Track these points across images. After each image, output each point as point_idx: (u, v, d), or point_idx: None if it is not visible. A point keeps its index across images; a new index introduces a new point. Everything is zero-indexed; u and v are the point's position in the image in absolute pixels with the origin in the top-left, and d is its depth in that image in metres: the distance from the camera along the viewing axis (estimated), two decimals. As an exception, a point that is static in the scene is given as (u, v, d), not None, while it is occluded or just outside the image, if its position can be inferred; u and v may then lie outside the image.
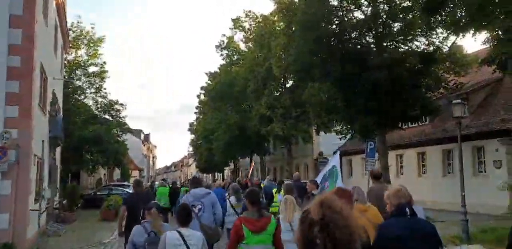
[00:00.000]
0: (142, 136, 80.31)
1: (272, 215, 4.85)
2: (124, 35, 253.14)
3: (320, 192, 7.91)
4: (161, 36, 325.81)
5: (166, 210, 10.83)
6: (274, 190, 10.55)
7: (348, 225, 1.46)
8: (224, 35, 36.73)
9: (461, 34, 12.50)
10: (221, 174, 60.68)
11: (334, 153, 15.61)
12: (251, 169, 27.43)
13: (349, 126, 17.46)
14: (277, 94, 29.53)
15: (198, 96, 53.24)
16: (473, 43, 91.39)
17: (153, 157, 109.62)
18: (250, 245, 4.33)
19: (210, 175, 69.63)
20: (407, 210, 3.43)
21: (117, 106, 31.47)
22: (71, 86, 28.09)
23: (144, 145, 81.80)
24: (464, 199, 11.73)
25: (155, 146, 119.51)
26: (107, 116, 31.18)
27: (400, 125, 17.19)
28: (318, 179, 9.19)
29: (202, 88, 38.70)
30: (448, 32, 14.20)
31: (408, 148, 22.39)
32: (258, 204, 4.68)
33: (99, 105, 31.20)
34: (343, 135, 19.20)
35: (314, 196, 7.55)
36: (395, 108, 15.56)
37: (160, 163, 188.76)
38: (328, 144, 30.94)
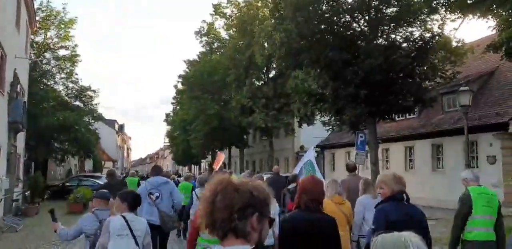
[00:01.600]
0: (117, 126, 77.93)
1: None
2: (97, 20, 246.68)
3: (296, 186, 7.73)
4: (137, 21, 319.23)
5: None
6: None
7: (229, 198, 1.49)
8: (204, 21, 35.05)
9: (468, 17, 11.48)
10: (198, 167, 59.14)
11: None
12: (220, 161, 26.09)
13: (337, 117, 16.33)
14: (259, 84, 28.27)
15: (176, 86, 51.57)
16: (469, 33, 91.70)
17: (127, 149, 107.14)
18: (207, 235, 4.25)
19: (186, 167, 68.01)
20: (404, 196, 3.59)
21: (89, 93, 29.76)
22: (39, 70, 26.23)
23: (118, 136, 79.45)
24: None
25: (130, 138, 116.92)
26: (78, 103, 29.42)
27: (392, 117, 16.17)
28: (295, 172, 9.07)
29: (180, 76, 37.03)
30: (450, 16, 13.20)
31: (395, 142, 21.50)
32: None
33: (69, 91, 29.41)
34: (330, 127, 18.10)
35: (289, 190, 7.88)
36: (388, 98, 14.52)
37: (135, 155, 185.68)
38: (309, 138, 29.90)
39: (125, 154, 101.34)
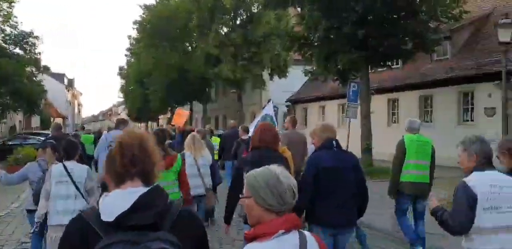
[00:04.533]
0: (66, 81, 72.57)
1: (179, 154, 5.28)
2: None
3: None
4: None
5: (90, 157, 9.53)
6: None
7: (144, 146, 1.55)
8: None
9: None
10: (156, 123, 56.25)
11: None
12: (184, 116, 24.08)
13: (324, 65, 14.20)
14: (227, 30, 25.47)
15: (129, 36, 47.26)
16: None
17: (78, 105, 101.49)
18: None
19: (142, 124, 64.88)
20: (334, 143, 3.76)
21: (31, 39, 25.97)
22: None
23: (68, 91, 74.28)
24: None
25: (81, 93, 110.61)
26: (18, 51, 25.67)
27: (388, 63, 14.25)
28: (251, 128, 8.89)
29: (135, 22, 33.26)
30: None
31: (376, 95, 19.81)
32: (163, 144, 4.86)
33: (7, 37, 25.50)
34: (313, 77, 15.96)
35: (243, 141, 8.26)
36: (388, 40, 12.50)
37: (87, 112, 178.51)
38: (277, 92, 27.85)
39: (76, 110, 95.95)
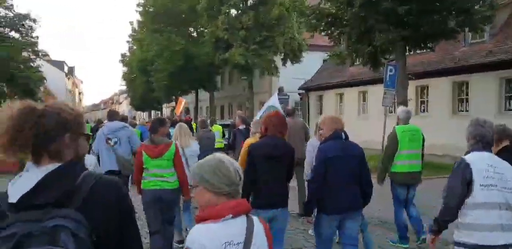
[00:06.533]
0: (66, 69, 70.83)
1: (173, 142, 5.20)
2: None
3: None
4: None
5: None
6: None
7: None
8: None
9: None
10: (159, 112, 54.59)
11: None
12: (181, 104, 23.11)
13: (357, 46, 12.55)
14: (237, 13, 23.71)
15: (131, 23, 45.40)
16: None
17: (79, 93, 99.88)
18: (149, 169, 4.86)
19: (146, 113, 63.32)
20: (342, 134, 3.92)
21: (28, 22, 24.29)
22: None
23: (68, 79, 72.58)
24: None
25: (82, 82, 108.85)
26: (14, 34, 24.00)
27: (429, 44, 12.59)
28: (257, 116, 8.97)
29: (138, 5, 31.42)
30: None
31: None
32: (156, 131, 4.98)
33: (2, 20, 23.83)
34: (340, 61, 14.27)
35: (240, 130, 8.72)
36: (432, 18, 10.86)
37: (88, 101, 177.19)
38: (288, 79, 26.25)
39: (77, 99, 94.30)
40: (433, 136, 13.27)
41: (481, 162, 2.99)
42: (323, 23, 12.92)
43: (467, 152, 3.14)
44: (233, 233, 1.76)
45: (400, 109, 6.01)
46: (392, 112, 15.45)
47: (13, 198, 1.38)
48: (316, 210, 4.07)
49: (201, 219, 1.80)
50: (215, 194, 1.82)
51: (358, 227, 4.25)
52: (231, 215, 1.76)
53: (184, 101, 19.38)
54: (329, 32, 13.13)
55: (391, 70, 11.81)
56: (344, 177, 3.83)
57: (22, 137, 1.43)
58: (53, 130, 1.48)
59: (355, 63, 14.72)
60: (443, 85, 16.63)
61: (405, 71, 12.59)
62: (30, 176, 1.42)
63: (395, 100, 12.23)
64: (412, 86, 17.67)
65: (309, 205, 4.04)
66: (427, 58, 17.19)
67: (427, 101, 17.72)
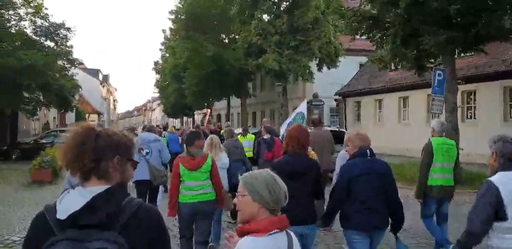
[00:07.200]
0: (101, 76, 72.20)
1: (210, 154, 5.22)
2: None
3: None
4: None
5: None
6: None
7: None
8: None
9: None
10: (191, 119, 54.68)
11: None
12: (208, 115, 23.07)
13: (400, 50, 11.71)
14: (270, 18, 23.16)
15: (164, 31, 45.79)
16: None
17: (113, 101, 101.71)
18: (186, 181, 4.83)
19: (178, 120, 63.65)
20: (368, 152, 3.85)
21: (63, 31, 24.43)
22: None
23: (103, 87, 73.96)
24: None
25: (116, 89, 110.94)
26: (49, 43, 24.19)
27: (481, 46, 11.61)
28: (283, 129, 9.12)
29: (171, 12, 31.44)
30: None
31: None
32: (192, 144, 4.99)
33: (38, 29, 24.05)
34: (383, 65, 13.44)
35: (264, 140, 8.46)
36: (489, 17, 9.94)
37: (122, 108, 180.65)
38: (323, 85, 25.46)
39: (111, 106, 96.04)
40: (482, 146, 12.24)
41: (509, 182, 2.77)
42: (364, 26, 12.15)
43: (493, 170, 2.92)
44: (278, 246, 1.85)
45: (435, 121, 5.89)
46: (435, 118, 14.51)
47: (61, 215, 1.43)
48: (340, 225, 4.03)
49: (246, 232, 1.87)
50: (260, 207, 1.91)
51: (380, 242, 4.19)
52: (277, 230, 1.85)
53: (209, 112, 19.32)
54: (371, 35, 12.35)
55: (439, 75, 10.93)
56: (369, 195, 3.75)
57: (83, 153, 1.53)
58: (104, 150, 1.56)
59: (398, 67, 13.76)
60: (493, 90, 15.53)
61: (454, 76, 11.67)
62: (79, 195, 1.48)
63: (444, 107, 11.30)
64: (458, 91, 16.65)
65: (326, 216, 4.02)
66: (475, 61, 16.12)
67: (474, 107, 16.63)
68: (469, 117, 16.79)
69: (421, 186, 5.47)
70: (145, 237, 1.51)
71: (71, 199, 1.47)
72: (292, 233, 1.97)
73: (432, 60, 12.58)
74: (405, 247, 5.27)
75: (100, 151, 1.54)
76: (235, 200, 2.01)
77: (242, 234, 1.88)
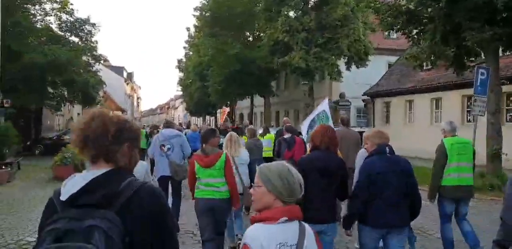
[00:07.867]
0: (125, 74, 72.68)
1: (224, 152, 5.18)
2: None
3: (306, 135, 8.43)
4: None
5: (142, 150, 9.90)
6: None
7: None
8: None
9: None
10: (213, 118, 54.41)
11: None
12: (225, 114, 22.61)
13: (442, 47, 10.96)
14: (297, 14, 22.53)
15: (188, 29, 45.61)
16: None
17: (137, 98, 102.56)
18: (202, 178, 4.93)
19: (200, 118, 63.48)
20: (387, 149, 3.80)
21: (87, 27, 24.34)
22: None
23: (127, 84, 74.46)
24: None
25: (140, 87, 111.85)
26: (74, 38, 24.12)
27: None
28: (305, 126, 8.91)
29: (196, 9, 31.10)
30: None
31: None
32: (206, 142, 5.07)
33: (63, 24, 24.00)
34: (418, 63, 12.68)
35: (284, 139, 8.36)
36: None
37: (145, 106, 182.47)
38: (349, 85, 24.69)
39: (135, 104, 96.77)
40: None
41: None
42: (400, 21, 11.46)
43: None
44: (287, 235, 1.86)
45: (443, 122, 5.78)
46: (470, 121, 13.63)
47: (63, 197, 1.51)
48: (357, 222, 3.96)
49: (257, 220, 1.93)
50: (274, 198, 1.94)
51: (404, 242, 4.07)
52: (285, 218, 1.87)
53: (227, 111, 18.87)
54: (406, 31, 11.64)
55: (482, 74, 10.15)
56: (390, 193, 3.69)
57: (93, 136, 1.57)
58: (114, 135, 1.59)
59: (433, 67, 12.97)
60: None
61: (497, 75, 10.87)
62: (81, 178, 1.54)
63: (486, 108, 10.52)
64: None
65: (349, 219, 3.92)
66: (510, 61, 15.20)
67: (515, 109, 15.69)
68: (508, 119, 15.83)
69: (434, 187, 5.36)
70: (144, 217, 1.52)
71: (74, 182, 1.53)
72: (307, 225, 1.97)
73: (472, 59, 11.82)
74: (413, 238, 5.36)
75: (112, 136, 1.58)
76: (251, 190, 2.03)
77: (254, 222, 1.93)
